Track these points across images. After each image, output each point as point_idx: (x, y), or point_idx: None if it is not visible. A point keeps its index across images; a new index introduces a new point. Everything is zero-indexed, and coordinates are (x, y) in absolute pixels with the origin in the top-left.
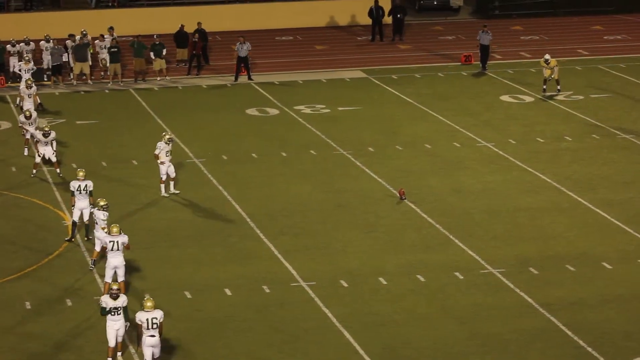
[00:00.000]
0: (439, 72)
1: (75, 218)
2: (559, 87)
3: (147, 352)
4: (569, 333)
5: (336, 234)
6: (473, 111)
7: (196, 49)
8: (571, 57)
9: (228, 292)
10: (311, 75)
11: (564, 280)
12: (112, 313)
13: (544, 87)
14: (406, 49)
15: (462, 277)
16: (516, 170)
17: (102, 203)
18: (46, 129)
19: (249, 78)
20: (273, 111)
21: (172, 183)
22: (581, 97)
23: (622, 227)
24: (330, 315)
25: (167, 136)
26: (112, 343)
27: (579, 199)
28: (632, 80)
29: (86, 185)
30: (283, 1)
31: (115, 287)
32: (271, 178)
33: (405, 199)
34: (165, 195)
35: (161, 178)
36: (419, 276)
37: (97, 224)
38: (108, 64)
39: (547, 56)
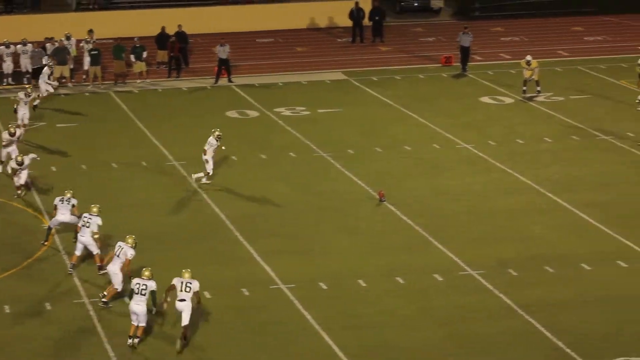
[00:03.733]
0: (420, 74)
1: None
2: (539, 88)
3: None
4: (548, 334)
5: (316, 236)
6: (453, 113)
7: (174, 51)
8: (551, 58)
9: (207, 294)
10: (291, 77)
11: (543, 282)
12: None
13: (524, 88)
14: (387, 50)
15: (441, 279)
16: (496, 171)
17: (95, 209)
18: (19, 159)
19: (230, 80)
20: (253, 113)
21: (204, 178)
22: (561, 99)
23: (602, 229)
24: (309, 317)
25: (217, 132)
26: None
27: (559, 200)
28: (612, 82)
29: (70, 199)
30: (263, 3)
31: None
32: (251, 180)
33: (384, 200)
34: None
35: (207, 171)
36: (398, 278)
37: (88, 227)
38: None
39: (528, 57)
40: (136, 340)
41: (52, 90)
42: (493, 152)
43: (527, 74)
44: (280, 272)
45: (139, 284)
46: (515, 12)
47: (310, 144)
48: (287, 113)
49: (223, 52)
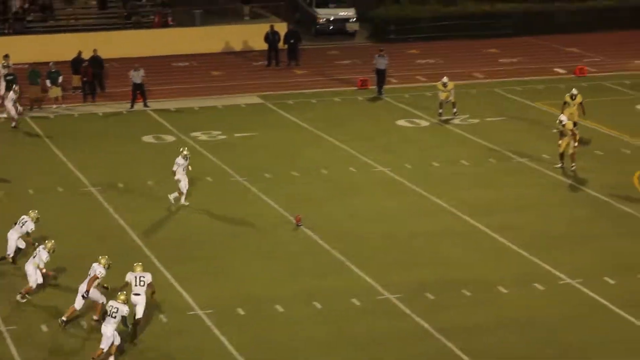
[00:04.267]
0: (335, 97)
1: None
2: (455, 110)
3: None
4: (466, 358)
5: (233, 261)
6: (369, 136)
7: (87, 75)
8: (467, 81)
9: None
10: (207, 101)
11: (460, 305)
12: None
13: (440, 110)
14: (302, 73)
15: (359, 303)
16: (412, 195)
17: (49, 244)
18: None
19: (145, 105)
20: (169, 138)
21: (182, 197)
22: (477, 121)
23: (518, 252)
24: (227, 343)
25: (185, 152)
26: None
27: (475, 224)
28: (528, 103)
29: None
30: (179, 27)
31: None
32: (167, 206)
33: (301, 225)
34: (186, 204)
35: (181, 191)
36: (316, 303)
37: (34, 257)
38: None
39: (445, 79)
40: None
41: None
42: (409, 175)
43: (443, 95)
44: (198, 298)
45: (112, 306)
46: (430, 34)
47: (227, 169)
48: (204, 137)
49: (137, 76)
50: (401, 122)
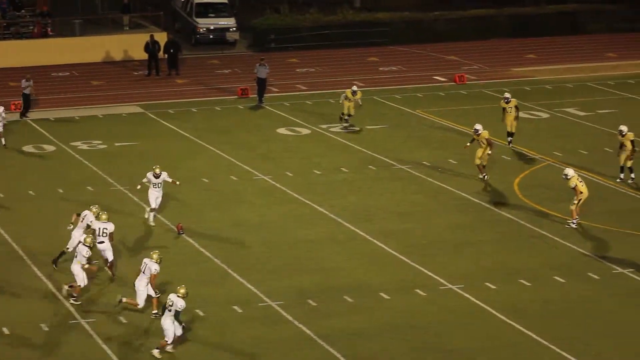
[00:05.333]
0: (216, 106)
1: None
2: (347, 119)
3: None
4: None
5: (113, 269)
6: (250, 144)
7: None
8: (347, 89)
9: (6, 330)
10: (88, 111)
11: (342, 312)
12: None
13: (346, 117)
14: (183, 83)
15: (241, 311)
16: (294, 202)
17: (89, 239)
18: None
19: (24, 115)
20: (50, 148)
21: (152, 214)
22: (357, 129)
23: (400, 258)
24: (109, 352)
25: (157, 170)
26: None
27: (357, 230)
28: (407, 111)
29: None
30: (59, 37)
31: None
32: (48, 215)
33: (183, 233)
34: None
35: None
36: (198, 310)
37: (76, 257)
38: None
39: (354, 87)
40: (156, 351)
41: None
42: (291, 183)
43: (347, 104)
44: (79, 306)
45: (170, 299)
46: (310, 43)
47: (108, 178)
48: (84, 147)
49: (28, 87)
50: (282, 131)
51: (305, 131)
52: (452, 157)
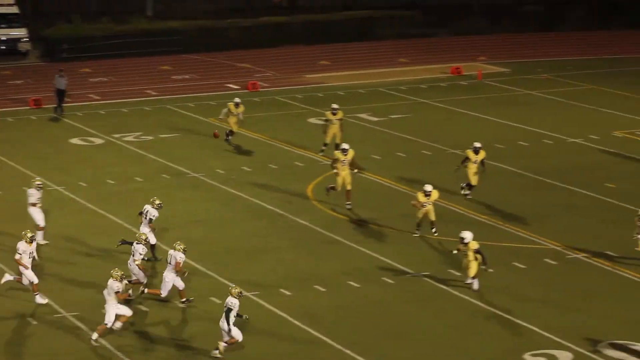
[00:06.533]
0: (9, 117)
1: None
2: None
3: None
4: None
5: None
6: (43, 155)
7: None
8: (140, 98)
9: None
10: None
11: (138, 321)
12: None
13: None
14: None
15: (35, 322)
16: (88, 213)
17: (144, 236)
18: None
19: None
20: None
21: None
22: (151, 138)
23: (195, 266)
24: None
25: (37, 182)
26: None
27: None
28: (201, 119)
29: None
30: None
31: None
32: None
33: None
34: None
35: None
36: None
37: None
38: None
39: (237, 100)
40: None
41: None
42: (84, 193)
43: (232, 119)
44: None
45: (230, 303)
46: (103, 53)
47: None
48: None
49: None
50: (75, 141)
51: (98, 141)
52: (246, 164)
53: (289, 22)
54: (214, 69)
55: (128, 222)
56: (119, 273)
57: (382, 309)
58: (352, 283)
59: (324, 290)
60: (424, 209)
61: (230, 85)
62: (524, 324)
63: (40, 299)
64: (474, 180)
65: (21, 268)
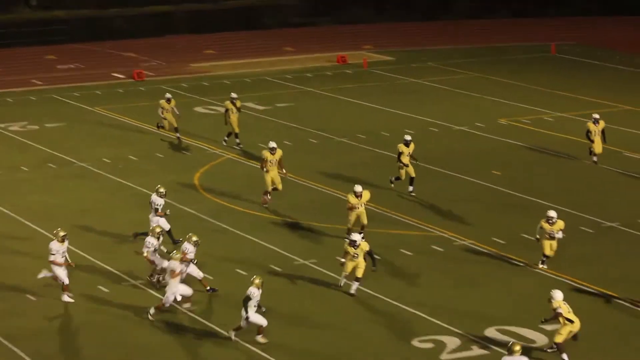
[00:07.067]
0: None
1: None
2: (176, 127)
3: None
4: None
5: None
6: None
7: None
8: (26, 88)
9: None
10: None
11: (27, 311)
12: None
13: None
14: None
15: None
16: None
17: (158, 229)
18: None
19: None
20: None
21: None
22: (36, 127)
23: (82, 255)
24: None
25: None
26: None
27: (39, 229)
28: (87, 108)
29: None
30: None
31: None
32: None
33: None
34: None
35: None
36: None
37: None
38: None
39: (168, 95)
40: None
41: None
42: None
43: (167, 115)
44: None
45: (250, 292)
46: None
47: None
48: None
49: None
50: None
51: None
52: (132, 153)
53: (173, 11)
54: (99, 58)
55: (14, 211)
56: (179, 255)
57: (271, 296)
58: (239, 271)
59: (211, 278)
60: (356, 211)
61: (116, 75)
62: (412, 310)
63: (67, 298)
64: (412, 173)
65: (54, 267)
